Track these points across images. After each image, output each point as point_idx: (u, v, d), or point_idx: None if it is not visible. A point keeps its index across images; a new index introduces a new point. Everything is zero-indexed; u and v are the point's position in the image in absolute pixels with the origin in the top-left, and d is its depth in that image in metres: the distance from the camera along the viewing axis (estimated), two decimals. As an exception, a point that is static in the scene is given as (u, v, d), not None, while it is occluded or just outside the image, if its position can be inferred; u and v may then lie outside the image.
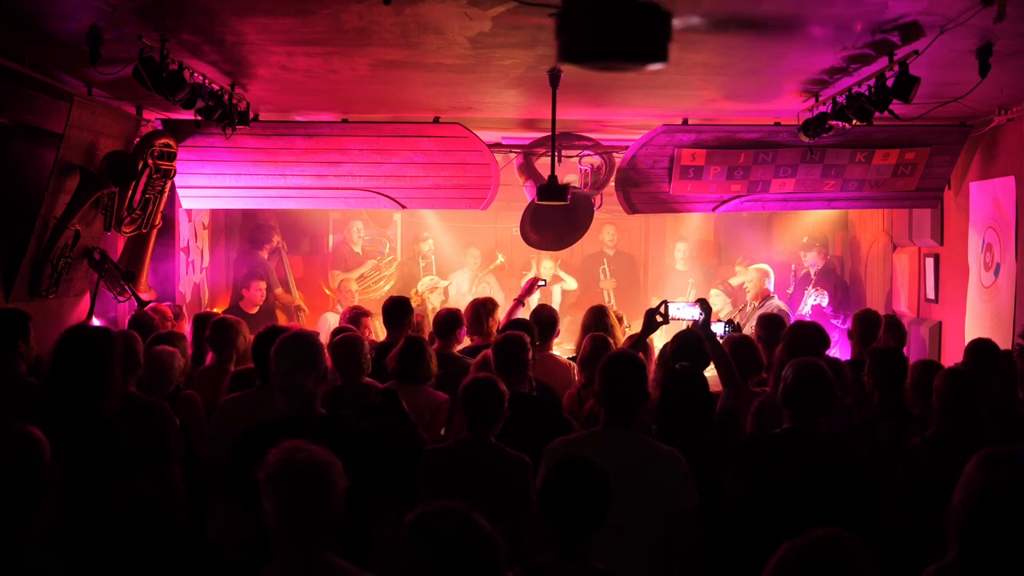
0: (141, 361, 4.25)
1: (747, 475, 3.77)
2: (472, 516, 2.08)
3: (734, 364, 4.62)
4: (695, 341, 4.63)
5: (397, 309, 5.86)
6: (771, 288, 8.22)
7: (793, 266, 9.20)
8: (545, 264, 10.00)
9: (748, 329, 6.86)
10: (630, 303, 9.70)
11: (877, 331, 5.82)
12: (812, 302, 8.80)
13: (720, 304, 8.75)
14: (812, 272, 9.00)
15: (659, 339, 5.88)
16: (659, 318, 4.67)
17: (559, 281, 10.04)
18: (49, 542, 2.66)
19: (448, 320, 5.72)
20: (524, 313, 6.50)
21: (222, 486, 3.65)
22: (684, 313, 4.72)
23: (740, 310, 8.13)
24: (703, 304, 4.65)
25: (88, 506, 3.44)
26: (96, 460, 3.48)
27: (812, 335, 4.87)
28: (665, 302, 4.73)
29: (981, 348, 5.00)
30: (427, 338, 5.42)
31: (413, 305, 9.48)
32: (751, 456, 3.81)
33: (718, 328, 5.26)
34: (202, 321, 6.08)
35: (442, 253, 10.40)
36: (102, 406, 3.56)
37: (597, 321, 5.63)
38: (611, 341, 5.25)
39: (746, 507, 3.75)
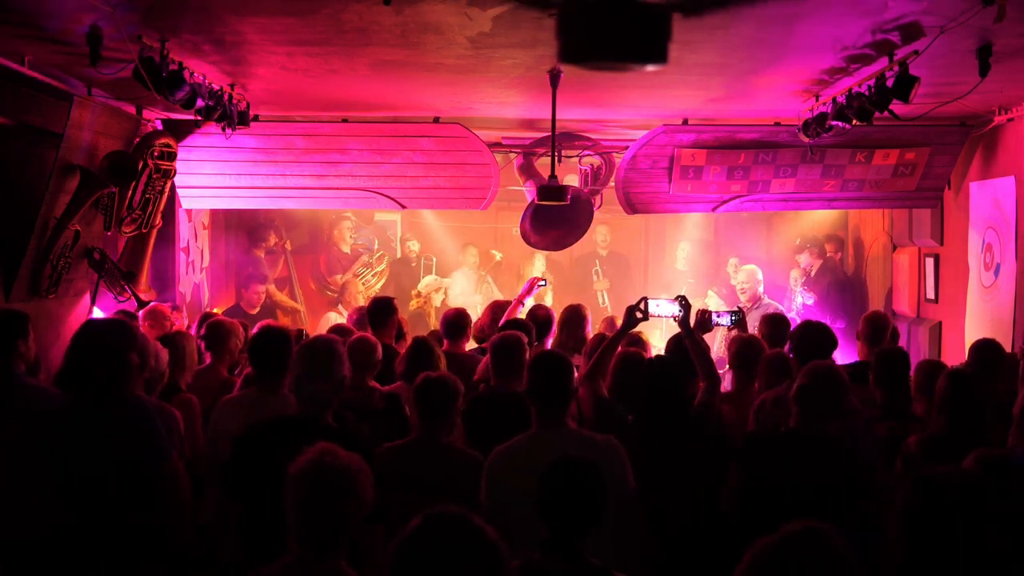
0: (151, 363, 4.23)
1: (751, 471, 3.82)
2: (474, 521, 2.06)
3: (712, 359, 4.67)
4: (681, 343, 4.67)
5: (381, 309, 5.86)
6: (761, 290, 8.22)
7: (802, 266, 9.16)
8: (538, 263, 9.98)
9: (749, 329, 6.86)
10: (626, 304, 9.66)
11: (885, 333, 5.77)
12: (799, 302, 8.81)
13: (716, 306, 8.73)
14: (813, 271, 8.98)
15: (659, 341, 5.92)
16: (639, 314, 4.68)
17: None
18: None
19: (456, 320, 5.75)
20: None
21: (220, 476, 3.80)
22: (664, 310, 4.71)
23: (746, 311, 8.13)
24: (682, 300, 4.67)
25: (90, 506, 3.44)
26: (99, 460, 3.48)
27: (820, 336, 4.89)
28: (645, 298, 4.74)
29: (986, 349, 4.99)
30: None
31: (416, 306, 9.57)
32: (756, 452, 3.88)
33: (724, 320, 5.29)
34: (204, 322, 6.09)
35: (442, 253, 10.37)
36: (114, 401, 3.57)
37: (571, 316, 5.88)
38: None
39: (746, 502, 3.80)
